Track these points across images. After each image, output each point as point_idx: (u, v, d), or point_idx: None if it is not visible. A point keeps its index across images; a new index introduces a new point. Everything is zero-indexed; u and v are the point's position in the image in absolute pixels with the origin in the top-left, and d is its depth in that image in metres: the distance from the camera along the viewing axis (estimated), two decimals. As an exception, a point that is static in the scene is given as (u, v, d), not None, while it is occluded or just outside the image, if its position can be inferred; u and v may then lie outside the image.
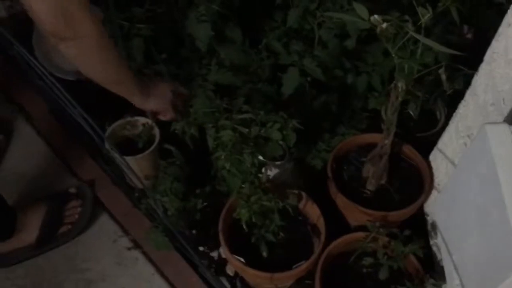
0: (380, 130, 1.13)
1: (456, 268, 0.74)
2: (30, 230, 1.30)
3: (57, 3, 0.85)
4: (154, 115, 1.28)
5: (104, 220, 1.39)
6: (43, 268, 1.32)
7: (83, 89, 1.44)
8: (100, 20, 1.03)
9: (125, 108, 1.37)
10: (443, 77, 0.93)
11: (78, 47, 0.94)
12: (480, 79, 0.91)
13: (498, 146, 0.63)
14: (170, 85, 1.22)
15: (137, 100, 1.17)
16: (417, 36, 0.83)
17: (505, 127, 0.65)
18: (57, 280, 1.29)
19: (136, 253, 1.33)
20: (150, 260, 1.32)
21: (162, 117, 1.27)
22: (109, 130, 1.30)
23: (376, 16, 0.86)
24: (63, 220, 1.34)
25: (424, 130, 1.35)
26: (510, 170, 0.61)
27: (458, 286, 0.72)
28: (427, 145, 1.22)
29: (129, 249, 1.34)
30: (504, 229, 0.58)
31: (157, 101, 1.19)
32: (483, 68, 0.90)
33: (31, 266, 1.31)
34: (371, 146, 1.20)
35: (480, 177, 0.68)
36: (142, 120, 1.35)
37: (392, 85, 0.99)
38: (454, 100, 1.08)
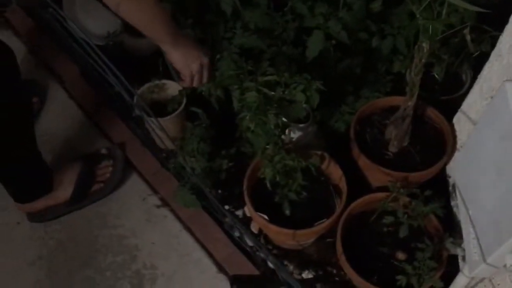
0: (404, 93, 1.14)
1: (472, 222, 0.77)
2: (65, 188, 1.37)
3: None
4: (177, 73, 1.26)
5: (134, 180, 1.45)
6: (78, 223, 1.39)
7: (111, 53, 1.48)
8: None
9: (152, 72, 1.41)
10: (468, 37, 0.94)
11: None
12: (505, 40, 0.91)
13: (517, 103, 0.65)
14: (200, 48, 1.20)
15: (166, 41, 1.13)
16: (442, -4, 0.83)
17: (525, 84, 0.66)
18: (91, 235, 1.37)
19: (164, 211, 1.39)
20: (178, 217, 1.37)
21: (182, 82, 1.25)
22: (137, 93, 1.34)
23: (401, -24, 0.86)
24: (95, 179, 1.41)
25: (449, 93, 1.34)
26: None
27: (474, 239, 0.75)
28: (452, 108, 1.22)
29: (158, 207, 1.40)
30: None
31: (184, 51, 1.16)
32: (508, 28, 0.89)
33: (66, 222, 1.39)
34: (395, 108, 1.21)
35: (499, 133, 0.69)
36: (170, 83, 1.38)
37: (416, 46, 1.00)
38: (480, 63, 1.08)
